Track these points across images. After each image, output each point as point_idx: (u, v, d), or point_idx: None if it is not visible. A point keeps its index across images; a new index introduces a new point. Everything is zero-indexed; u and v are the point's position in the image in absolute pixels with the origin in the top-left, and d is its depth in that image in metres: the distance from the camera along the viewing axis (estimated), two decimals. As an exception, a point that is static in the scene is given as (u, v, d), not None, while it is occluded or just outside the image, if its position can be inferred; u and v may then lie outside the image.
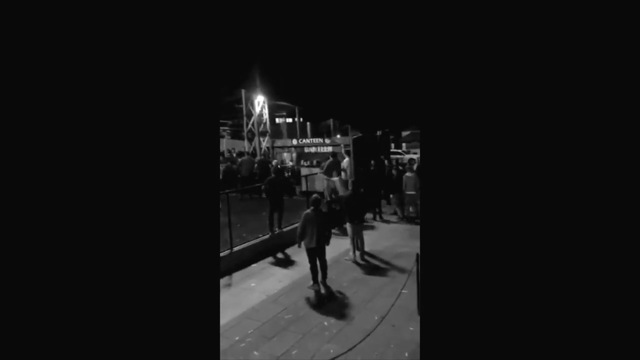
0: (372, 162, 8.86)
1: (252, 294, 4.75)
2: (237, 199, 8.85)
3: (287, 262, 5.90)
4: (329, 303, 4.45)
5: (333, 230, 6.17)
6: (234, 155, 13.80)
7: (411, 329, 3.69)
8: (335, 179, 8.37)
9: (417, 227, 7.25)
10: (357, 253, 5.80)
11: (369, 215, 8.20)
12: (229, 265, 5.52)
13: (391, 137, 11.89)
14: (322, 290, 4.75)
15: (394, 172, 8.79)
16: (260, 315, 4.16)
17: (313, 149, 11.36)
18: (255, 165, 10.82)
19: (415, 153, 17.09)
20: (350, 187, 6.01)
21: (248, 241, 6.17)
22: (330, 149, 10.57)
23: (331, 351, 3.40)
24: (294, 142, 12.17)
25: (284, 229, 6.71)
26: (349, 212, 5.78)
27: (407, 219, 8.13)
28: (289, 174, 10.52)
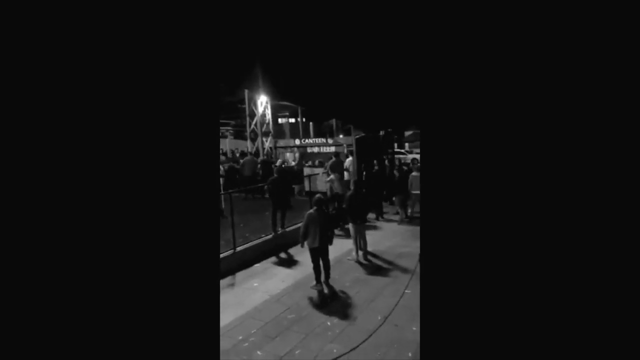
0: (375, 162, 8.86)
1: (255, 293, 4.76)
2: (240, 199, 8.86)
3: (290, 262, 5.91)
4: (332, 303, 4.45)
5: (335, 231, 6.18)
6: (237, 155, 13.83)
7: (414, 329, 3.68)
8: (333, 176, 8.39)
9: (420, 227, 7.22)
10: (360, 253, 5.80)
11: (371, 215, 8.19)
12: (232, 265, 5.53)
13: (395, 136, 11.86)
14: (325, 290, 4.75)
15: (396, 172, 8.74)
16: (263, 315, 4.17)
17: (316, 149, 11.36)
18: (259, 165, 10.84)
19: (417, 153, 17.06)
20: (352, 187, 6.01)
21: (251, 241, 6.18)
22: (332, 149, 10.57)
23: (334, 351, 3.40)
24: (297, 142, 12.18)
25: (287, 229, 6.72)
26: (351, 212, 5.78)
27: (410, 219, 8.13)
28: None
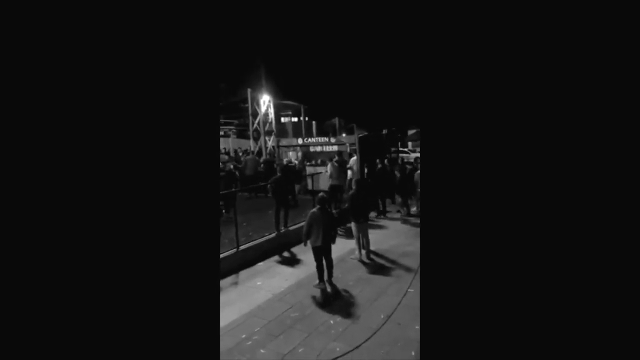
0: (378, 161, 8.85)
1: (258, 292, 4.78)
2: (242, 198, 8.88)
3: (293, 261, 5.92)
4: (335, 302, 4.46)
5: (339, 229, 6.19)
6: (240, 154, 13.86)
7: (417, 328, 3.68)
8: (329, 165, 8.43)
9: (423, 226, 7.22)
10: (363, 252, 5.80)
11: (374, 214, 8.20)
12: (235, 264, 5.55)
13: (398, 135, 11.84)
14: (328, 289, 4.76)
15: (397, 172, 8.66)
16: (267, 314, 4.18)
17: (318, 148, 11.37)
18: (262, 164, 10.86)
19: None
20: (353, 186, 6.01)
21: (254, 240, 6.20)
22: (335, 147, 10.58)
23: (337, 349, 3.41)
24: (300, 141, 12.19)
25: (290, 228, 6.73)
26: (353, 211, 5.78)
27: (413, 216, 8.13)
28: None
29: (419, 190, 7.98)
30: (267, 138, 13.14)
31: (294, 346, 3.52)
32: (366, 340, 3.49)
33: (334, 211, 7.02)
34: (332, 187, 8.34)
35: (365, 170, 8.97)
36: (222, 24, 1.60)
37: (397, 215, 8.30)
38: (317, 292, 4.68)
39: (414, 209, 8.44)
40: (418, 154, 14.71)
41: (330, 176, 8.42)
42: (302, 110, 14.86)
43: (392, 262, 5.68)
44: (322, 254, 4.76)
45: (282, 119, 21.52)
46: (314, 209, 4.84)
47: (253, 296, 4.65)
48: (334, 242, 4.88)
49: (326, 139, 11.71)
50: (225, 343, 3.58)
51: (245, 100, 13.93)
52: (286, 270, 5.56)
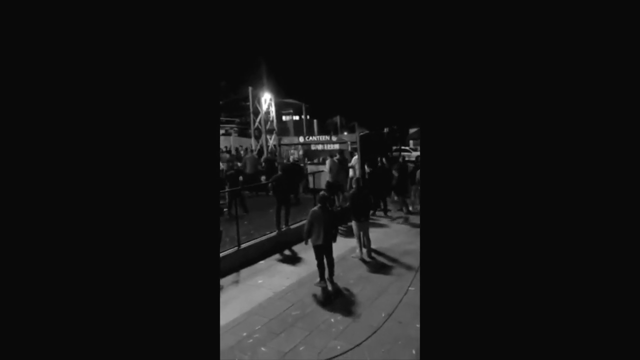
0: (379, 159, 8.84)
1: (259, 290, 4.79)
2: (244, 197, 8.88)
3: (294, 259, 5.93)
4: (336, 300, 4.47)
5: (340, 228, 6.19)
6: (241, 152, 13.87)
7: (418, 326, 3.68)
8: (328, 160, 8.43)
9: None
10: (364, 250, 5.81)
11: (378, 213, 8.20)
12: (236, 262, 5.56)
13: (397, 134, 11.83)
14: (329, 287, 4.77)
15: (395, 172, 8.50)
16: (268, 312, 4.19)
17: (320, 147, 11.37)
18: (262, 163, 10.87)
19: (423, 150, 16.87)
20: (354, 185, 6.01)
21: (255, 238, 6.21)
22: (337, 146, 10.57)
23: (338, 347, 3.41)
24: (301, 139, 12.19)
25: (291, 226, 6.74)
26: (354, 209, 5.78)
27: (416, 214, 8.14)
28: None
29: (419, 188, 7.98)
30: (268, 136, 13.14)
31: (295, 344, 3.53)
32: (367, 338, 3.50)
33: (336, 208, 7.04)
34: (328, 184, 8.30)
35: (367, 169, 8.97)
36: (223, 22, 1.59)
37: (399, 214, 8.30)
38: (318, 291, 4.69)
39: (416, 206, 8.43)
40: (419, 153, 14.70)
41: (330, 171, 8.40)
42: (303, 108, 14.86)
43: (393, 260, 5.68)
44: (323, 252, 4.76)
45: (284, 118, 21.51)
46: (315, 208, 4.85)
47: (254, 294, 4.66)
48: (334, 240, 4.89)
49: (327, 138, 11.71)
50: (226, 341, 3.59)
51: (246, 99, 13.93)
52: (287, 268, 5.57)
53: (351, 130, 12.53)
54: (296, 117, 22.23)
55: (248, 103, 13.57)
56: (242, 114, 20.29)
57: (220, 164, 9.74)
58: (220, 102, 20.11)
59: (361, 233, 5.78)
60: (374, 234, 6.16)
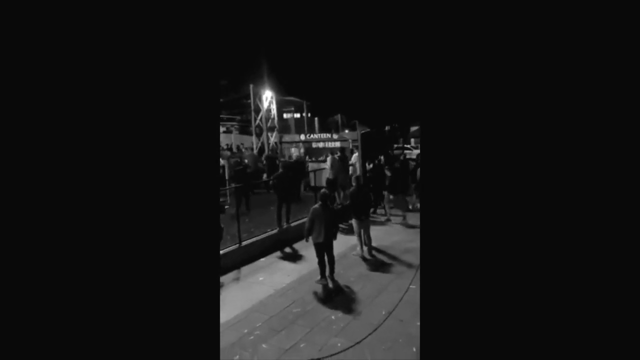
0: (381, 157, 8.83)
1: (260, 287, 4.80)
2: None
3: (295, 257, 5.94)
4: (336, 297, 4.48)
5: (341, 225, 6.20)
6: (243, 150, 13.88)
7: (419, 324, 3.69)
8: (329, 157, 8.43)
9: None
10: (365, 248, 5.81)
11: (380, 211, 8.20)
12: (237, 260, 5.58)
13: (398, 132, 11.81)
14: (330, 285, 4.77)
15: (387, 172, 8.24)
16: (269, 309, 4.20)
17: (321, 144, 11.37)
18: (263, 161, 10.88)
19: (424, 148, 16.83)
20: (354, 183, 6.01)
21: (256, 236, 6.22)
22: (338, 144, 10.57)
23: (339, 345, 3.42)
24: (302, 137, 12.18)
25: (292, 224, 6.74)
26: (354, 207, 5.78)
27: (417, 212, 8.14)
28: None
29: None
30: (269, 134, 13.14)
31: (295, 341, 3.54)
32: (367, 336, 3.51)
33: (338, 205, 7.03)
34: (329, 181, 8.29)
35: (368, 166, 8.96)
36: (224, 20, 1.59)
37: (400, 212, 8.30)
38: (319, 288, 4.70)
39: (417, 205, 8.43)
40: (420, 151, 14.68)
41: (332, 167, 8.39)
42: (304, 106, 14.85)
43: (394, 258, 5.68)
44: (324, 250, 4.77)
45: (285, 115, 21.50)
46: (316, 205, 4.85)
47: (255, 291, 4.67)
48: (335, 238, 4.89)
49: (329, 135, 11.70)
50: (227, 338, 3.60)
51: (247, 96, 13.91)
52: (288, 266, 5.58)
53: (352, 128, 12.52)
54: (297, 115, 22.21)
55: (249, 101, 13.56)
56: (244, 112, 20.27)
57: (222, 160, 9.75)
58: (222, 100, 20.09)
59: (361, 231, 5.78)
60: (374, 231, 6.17)
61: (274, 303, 4.35)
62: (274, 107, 13.41)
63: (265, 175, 10.05)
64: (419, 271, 4.21)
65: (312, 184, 9.22)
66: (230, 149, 14.84)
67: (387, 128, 10.45)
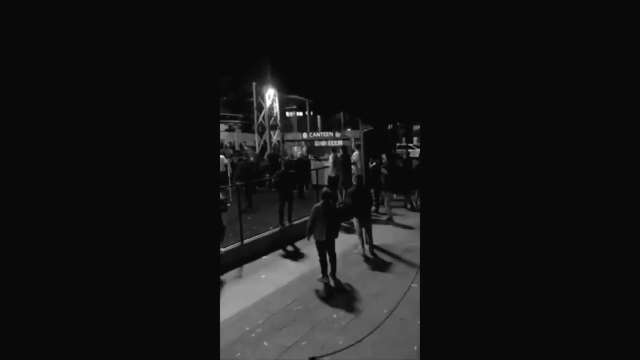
0: (383, 156, 8.81)
1: (262, 285, 4.81)
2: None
3: (296, 255, 5.95)
4: (338, 296, 4.48)
5: (343, 224, 6.20)
6: (246, 148, 13.90)
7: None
8: (331, 155, 8.43)
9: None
10: (366, 247, 5.82)
11: (381, 209, 8.19)
12: (239, 257, 5.59)
13: (402, 131, 11.77)
14: (332, 283, 4.78)
15: (383, 170, 8.03)
16: (270, 307, 4.22)
17: (323, 143, 11.36)
18: (266, 159, 10.89)
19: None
20: (354, 182, 6.01)
21: (258, 233, 6.23)
22: (340, 142, 10.56)
23: (340, 343, 3.43)
24: (305, 135, 12.18)
25: (294, 222, 6.75)
26: (354, 206, 5.78)
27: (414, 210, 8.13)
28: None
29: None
30: (272, 132, 13.14)
31: (297, 339, 3.56)
32: (369, 334, 3.51)
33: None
34: (330, 178, 8.32)
35: (371, 165, 8.94)
36: (229, 18, 1.59)
37: (402, 212, 8.30)
38: (321, 286, 4.70)
39: (419, 204, 8.42)
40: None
41: (334, 165, 8.39)
42: (307, 104, 14.83)
43: (396, 257, 5.68)
44: (326, 248, 4.78)
45: (287, 114, 21.48)
46: (318, 204, 4.85)
47: (257, 289, 4.69)
48: (337, 236, 4.89)
49: (331, 134, 11.70)
50: (229, 335, 3.62)
51: (250, 95, 13.91)
52: (290, 264, 5.59)
53: (355, 127, 12.51)
54: (300, 114, 22.18)
55: (252, 99, 13.56)
56: (246, 110, 20.27)
57: (225, 158, 9.75)
58: (225, 98, 20.07)
59: (363, 230, 5.78)
60: (376, 230, 6.16)
61: (275, 301, 4.36)
62: (276, 105, 13.40)
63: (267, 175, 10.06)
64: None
65: (314, 182, 9.22)
66: (232, 147, 14.85)
67: (389, 127, 10.42)
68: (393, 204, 8.27)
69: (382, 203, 8.27)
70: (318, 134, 12.12)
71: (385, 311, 3.95)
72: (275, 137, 13.13)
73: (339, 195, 8.34)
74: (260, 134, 13.39)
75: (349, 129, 13.60)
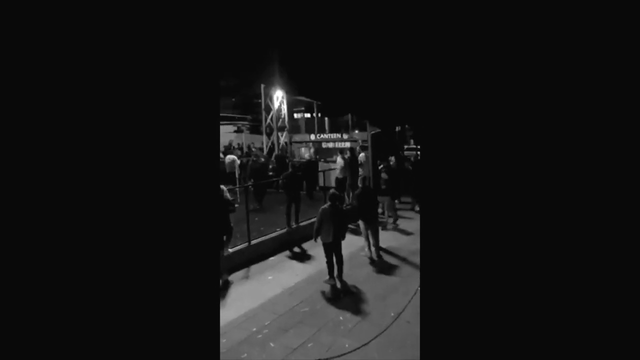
0: (391, 158, 8.78)
1: (269, 286, 4.83)
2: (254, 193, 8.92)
3: (303, 256, 5.96)
4: (344, 298, 4.48)
5: (350, 226, 6.19)
6: (253, 149, 13.95)
7: (427, 326, 3.67)
8: (339, 157, 8.42)
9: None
10: (373, 249, 5.80)
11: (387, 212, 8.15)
12: (246, 258, 5.62)
13: (409, 133, 11.72)
14: (338, 285, 4.78)
15: (384, 175, 7.67)
16: (277, 308, 4.23)
17: (331, 144, 11.37)
18: (274, 160, 10.93)
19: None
20: (360, 184, 6.00)
21: (265, 235, 6.25)
22: (348, 144, 10.55)
23: (346, 345, 3.43)
24: (312, 137, 12.20)
25: (301, 224, 6.76)
26: (360, 208, 5.76)
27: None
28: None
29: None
30: (279, 134, 13.18)
31: (303, 340, 3.56)
32: (375, 337, 3.50)
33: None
34: (337, 180, 8.31)
35: (380, 166, 8.91)
36: (238, 20, 1.61)
37: (410, 214, 8.26)
38: (327, 288, 4.70)
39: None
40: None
41: (341, 167, 8.40)
42: (315, 106, 14.86)
43: (402, 259, 5.66)
44: (333, 250, 4.78)
45: (295, 115, 21.52)
46: (325, 206, 4.86)
47: (264, 290, 4.70)
48: (344, 238, 4.89)
49: (338, 136, 11.69)
50: (236, 336, 3.64)
51: (258, 96, 13.98)
52: (297, 265, 5.60)
53: (362, 129, 12.49)
54: (307, 115, 22.20)
55: (260, 101, 13.62)
56: (254, 112, 20.36)
57: (237, 159, 9.76)
58: (233, 100, 20.16)
59: (369, 232, 5.77)
60: (382, 233, 6.15)
61: (282, 302, 4.37)
62: (284, 107, 13.44)
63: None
64: (427, 273, 4.20)
65: (322, 184, 9.22)
66: (240, 148, 14.92)
67: (397, 129, 10.38)
68: (400, 206, 8.23)
69: (383, 211, 8.13)
70: (325, 136, 12.13)
71: (392, 314, 3.94)
72: (283, 138, 13.17)
73: (347, 197, 8.32)
74: (268, 135, 13.43)
75: (356, 131, 13.59)
